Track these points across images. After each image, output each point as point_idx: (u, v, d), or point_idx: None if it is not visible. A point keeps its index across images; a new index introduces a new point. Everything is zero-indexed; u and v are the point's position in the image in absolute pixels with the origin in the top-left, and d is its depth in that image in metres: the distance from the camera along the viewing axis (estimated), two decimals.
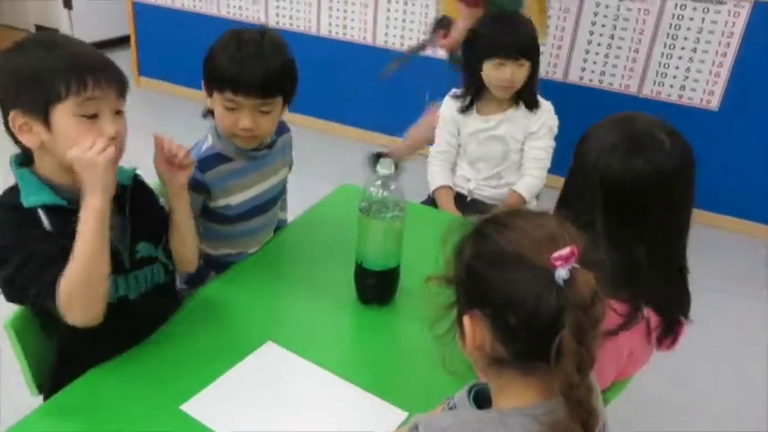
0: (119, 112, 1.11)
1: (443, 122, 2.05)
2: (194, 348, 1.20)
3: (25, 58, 1.07)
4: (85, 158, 1.02)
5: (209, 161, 1.42)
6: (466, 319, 0.77)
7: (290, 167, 1.65)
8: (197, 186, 1.39)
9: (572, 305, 0.69)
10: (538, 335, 0.71)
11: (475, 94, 1.97)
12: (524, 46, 1.90)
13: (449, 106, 2.03)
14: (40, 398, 1.20)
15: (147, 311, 1.21)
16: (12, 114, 1.05)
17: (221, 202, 1.47)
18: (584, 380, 0.70)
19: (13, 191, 1.09)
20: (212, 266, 1.53)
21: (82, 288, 1.02)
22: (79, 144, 1.03)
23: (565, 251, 0.70)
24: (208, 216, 1.47)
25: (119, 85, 1.09)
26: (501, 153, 2.01)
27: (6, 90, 1.07)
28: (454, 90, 2.03)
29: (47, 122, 1.05)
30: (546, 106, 2.00)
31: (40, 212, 1.07)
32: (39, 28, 4.78)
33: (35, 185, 1.09)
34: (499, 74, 1.88)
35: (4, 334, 1.17)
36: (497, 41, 1.87)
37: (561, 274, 0.70)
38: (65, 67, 1.04)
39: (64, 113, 1.04)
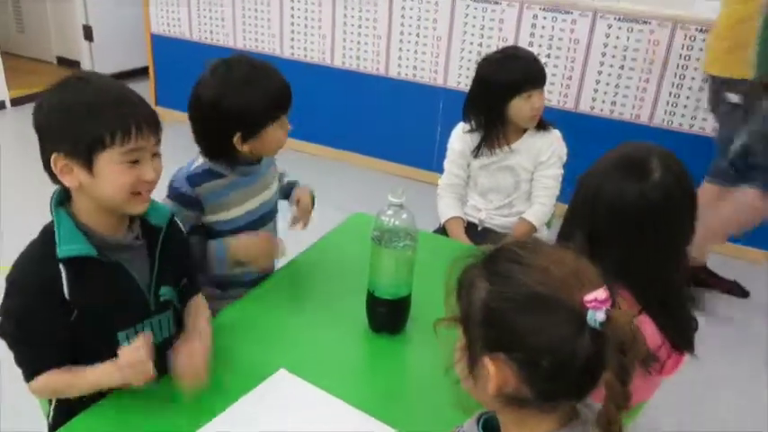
0: (155, 154, 1.14)
1: (453, 155, 2.06)
2: (208, 374, 1.20)
3: (69, 103, 1.08)
4: (127, 378, 1.09)
5: (200, 176, 1.45)
6: (488, 363, 0.73)
7: (282, 178, 1.71)
8: (189, 202, 1.43)
9: (613, 346, 0.67)
10: (571, 377, 0.70)
11: (490, 134, 1.97)
12: (543, 72, 1.95)
13: (461, 140, 2.04)
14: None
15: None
16: (54, 156, 1.07)
17: (214, 218, 1.49)
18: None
19: (49, 233, 1.11)
20: (217, 285, 1.55)
21: (56, 395, 1.16)
22: (125, 353, 1.08)
23: (600, 294, 0.68)
24: (206, 233, 1.50)
25: (158, 131, 1.13)
26: (512, 183, 2.02)
27: (49, 132, 1.08)
28: (463, 124, 2.04)
29: (89, 167, 1.07)
30: (555, 134, 2.02)
31: (61, 267, 1.08)
32: (60, 60, 4.92)
33: (70, 231, 1.10)
34: (530, 104, 1.91)
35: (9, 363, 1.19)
36: (526, 75, 1.90)
37: (598, 316, 0.67)
38: (110, 116, 1.06)
39: (108, 161, 1.07)
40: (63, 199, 1.14)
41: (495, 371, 0.73)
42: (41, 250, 1.10)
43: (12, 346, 1.13)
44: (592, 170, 1.12)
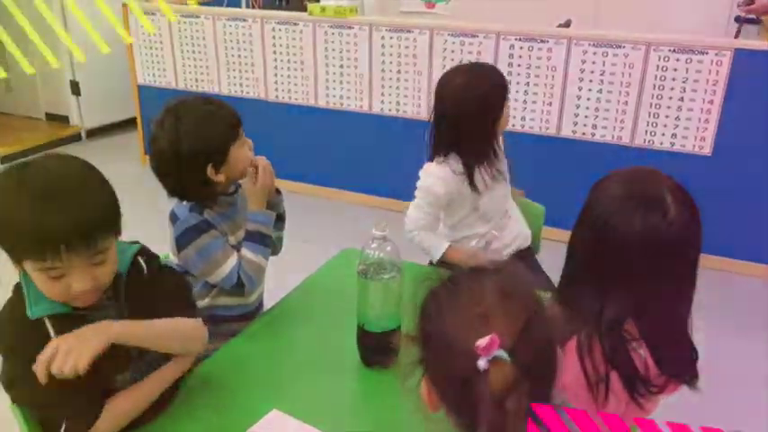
0: (99, 263, 1.08)
1: (436, 198, 1.90)
2: (199, 418, 1.20)
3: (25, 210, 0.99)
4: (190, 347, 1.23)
5: (196, 207, 1.50)
6: (422, 382, 0.81)
7: None
8: (207, 224, 1.48)
9: (489, 398, 0.68)
10: (474, 416, 0.70)
11: (487, 157, 1.90)
12: None
13: (445, 183, 1.89)
14: None
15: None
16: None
17: None
18: None
19: (17, 298, 1.09)
20: (212, 321, 1.54)
21: (129, 420, 1.13)
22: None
23: (484, 341, 0.69)
24: None
25: (96, 242, 1.05)
26: (505, 187, 2.01)
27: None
28: (443, 166, 1.91)
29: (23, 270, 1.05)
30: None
31: (47, 322, 1.06)
32: (49, 116, 4.97)
33: (38, 292, 1.06)
34: (507, 110, 1.90)
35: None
36: (504, 79, 1.90)
37: (481, 364, 0.69)
38: (26, 233, 0.99)
39: (30, 269, 1.03)
40: None
41: (425, 388, 0.81)
42: (20, 309, 1.07)
43: (47, 409, 1.09)
44: (598, 204, 1.09)
